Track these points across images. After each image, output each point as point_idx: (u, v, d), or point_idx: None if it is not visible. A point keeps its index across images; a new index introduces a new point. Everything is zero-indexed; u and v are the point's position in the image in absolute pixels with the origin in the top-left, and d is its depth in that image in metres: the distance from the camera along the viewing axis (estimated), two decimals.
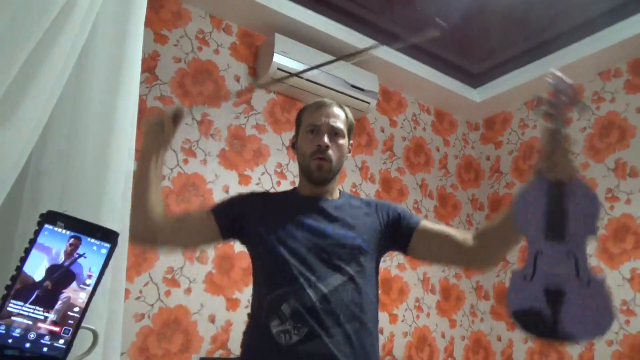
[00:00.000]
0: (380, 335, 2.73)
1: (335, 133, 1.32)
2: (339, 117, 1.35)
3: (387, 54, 2.89)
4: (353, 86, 2.74)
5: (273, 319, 1.16)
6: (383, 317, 2.78)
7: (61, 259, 0.58)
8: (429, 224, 1.36)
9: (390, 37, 2.84)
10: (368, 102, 2.81)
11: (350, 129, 1.39)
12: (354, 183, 2.89)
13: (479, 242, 1.28)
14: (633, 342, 2.44)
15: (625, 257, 2.56)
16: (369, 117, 3.05)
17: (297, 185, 1.42)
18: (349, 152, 1.40)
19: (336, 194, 1.39)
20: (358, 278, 1.23)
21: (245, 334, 1.29)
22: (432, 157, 3.32)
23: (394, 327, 2.80)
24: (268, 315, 1.18)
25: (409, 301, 2.90)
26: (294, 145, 1.42)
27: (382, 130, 3.11)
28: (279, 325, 1.15)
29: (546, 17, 2.63)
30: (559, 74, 1.07)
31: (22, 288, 0.57)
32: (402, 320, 2.85)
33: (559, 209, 1.00)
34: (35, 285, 0.57)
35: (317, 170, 1.30)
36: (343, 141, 1.34)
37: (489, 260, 1.37)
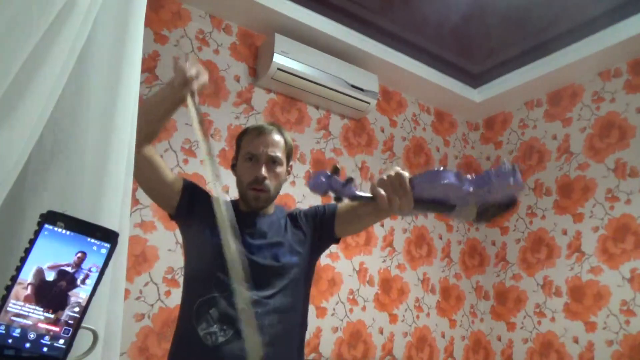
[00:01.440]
0: (380, 335, 2.73)
1: (273, 162, 1.36)
2: (278, 145, 1.38)
3: (387, 53, 2.89)
4: (353, 86, 2.74)
5: (201, 322, 1.22)
6: (383, 317, 2.78)
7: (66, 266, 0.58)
8: (342, 205, 1.40)
9: (391, 37, 2.84)
10: (368, 102, 2.81)
11: (289, 154, 1.44)
12: (354, 183, 2.88)
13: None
14: (633, 342, 2.44)
15: (625, 257, 2.56)
16: (369, 117, 3.05)
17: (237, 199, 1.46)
18: (288, 174, 1.45)
19: (271, 209, 1.43)
20: (287, 289, 1.29)
21: (174, 334, 1.35)
22: (432, 157, 3.32)
23: (394, 327, 2.80)
24: (197, 318, 1.23)
25: (409, 301, 2.90)
26: (233, 166, 1.45)
27: (382, 131, 3.11)
28: (206, 327, 1.21)
29: (546, 17, 2.63)
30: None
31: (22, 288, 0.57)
32: (402, 320, 2.85)
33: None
34: (36, 285, 0.58)
35: (254, 200, 1.35)
36: (281, 169, 1.38)
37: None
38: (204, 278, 1.27)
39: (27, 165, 0.71)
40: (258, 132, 1.39)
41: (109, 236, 0.61)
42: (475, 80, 3.25)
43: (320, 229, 1.40)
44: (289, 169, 1.46)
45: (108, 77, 0.80)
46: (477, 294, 3.25)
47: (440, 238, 3.19)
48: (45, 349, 0.57)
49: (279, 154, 1.38)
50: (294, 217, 1.43)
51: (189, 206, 1.36)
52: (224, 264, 1.22)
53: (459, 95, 3.25)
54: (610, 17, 2.59)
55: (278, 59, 2.49)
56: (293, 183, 2.65)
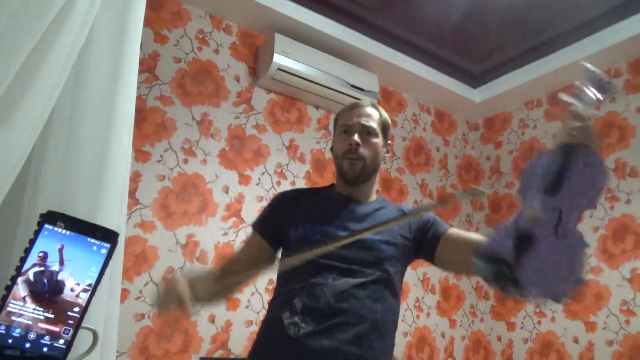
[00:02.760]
0: None
1: (367, 132, 1.33)
2: (372, 117, 1.36)
3: (387, 53, 2.89)
4: (353, 86, 2.74)
5: (285, 311, 1.19)
6: None
7: (56, 266, 0.58)
8: (457, 231, 1.31)
9: (391, 37, 2.84)
10: None
11: (385, 128, 1.39)
12: None
13: None
14: (633, 342, 2.44)
15: (625, 257, 2.56)
16: None
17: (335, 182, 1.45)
18: (387, 152, 1.41)
19: (372, 197, 1.40)
20: (378, 283, 1.22)
21: (262, 322, 1.32)
22: (432, 157, 3.31)
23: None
24: (281, 306, 1.21)
25: (409, 301, 2.90)
26: (332, 149, 1.43)
27: None
28: (289, 317, 1.17)
29: (546, 17, 2.63)
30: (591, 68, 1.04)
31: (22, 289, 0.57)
32: (402, 320, 2.84)
33: (561, 167, 0.92)
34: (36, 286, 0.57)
35: (350, 169, 1.31)
36: (376, 140, 1.34)
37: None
38: (293, 268, 1.22)
39: (27, 165, 0.71)
40: (352, 106, 1.38)
41: (109, 236, 0.61)
42: (475, 80, 3.25)
43: (420, 242, 1.32)
44: (388, 146, 1.41)
45: (106, 76, 0.80)
46: (477, 294, 3.25)
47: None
48: (45, 349, 0.57)
49: (374, 124, 1.34)
50: (403, 213, 1.38)
51: (274, 234, 1.35)
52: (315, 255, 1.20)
53: (459, 95, 3.25)
54: (610, 17, 2.58)
55: (278, 59, 2.49)
56: (293, 183, 2.65)
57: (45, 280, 0.58)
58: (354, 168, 1.31)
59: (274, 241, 1.35)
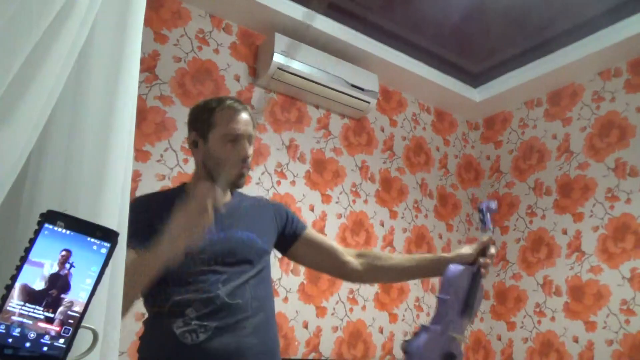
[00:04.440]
0: (380, 334, 2.73)
1: (249, 141, 1.32)
2: (251, 124, 1.34)
3: (387, 53, 2.89)
4: (353, 86, 2.74)
5: (176, 321, 1.16)
6: (383, 317, 2.78)
7: (55, 268, 0.58)
8: (313, 233, 1.46)
9: (391, 37, 2.84)
10: (368, 102, 2.81)
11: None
12: (354, 183, 2.89)
13: (366, 269, 1.44)
14: (633, 341, 2.44)
15: (625, 257, 2.56)
16: (369, 117, 3.05)
17: (189, 182, 1.40)
18: None
19: (228, 194, 1.37)
20: (261, 274, 1.29)
21: (142, 339, 1.29)
22: (432, 157, 3.32)
23: (394, 327, 2.80)
24: (171, 318, 1.17)
25: (409, 300, 2.90)
26: (195, 143, 1.34)
27: (382, 130, 3.11)
28: (183, 326, 1.15)
29: (546, 16, 2.63)
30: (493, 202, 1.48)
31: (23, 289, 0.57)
32: (402, 320, 2.85)
33: (475, 295, 1.31)
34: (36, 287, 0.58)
35: (240, 180, 1.30)
36: (253, 147, 1.35)
37: (362, 281, 1.79)
38: (177, 279, 1.20)
39: (26, 165, 0.71)
40: (234, 111, 1.30)
41: (109, 236, 0.61)
42: (475, 79, 3.25)
43: (281, 236, 1.41)
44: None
45: (107, 76, 0.80)
46: None
47: (440, 237, 3.19)
48: (45, 348, 0.57)
49: (253, 132, 1.34)
50: (267, 205, 1.44)
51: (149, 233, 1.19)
52: (190, 263, 1.19)
53: (459, 95, 3.25)
54: (610, 17, 2.59)
55: (278, 58, 2.50)
56: (293, 183, 2.65)
57: (47, 281, 0.58)
58: (243, 180, 1.31)
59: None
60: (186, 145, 2.35)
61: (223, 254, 1.24)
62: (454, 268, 1.32)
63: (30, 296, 0.57)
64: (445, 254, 1.44)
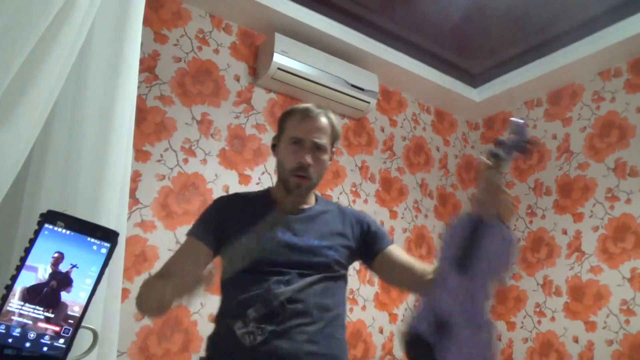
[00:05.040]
0: (380, 334, 2.73)
1: (318, 148, 1.31)
2: (324, 130, 1.33)
3: (387, 53, 2.89)
4: (353, 86, 2.74)
5: (237, 322, 1.18)
6: (383, 317, 2.78)
7: (48, 271, 0.58)
8: (395, 251, 1.39)
9: (391, 37, 2.84)
10: (368, 102, 2.81)
11: (335, 139, 1.38)
12: (354, 183, 2.89)
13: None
14: (633, 342, 2.44)
15: (625, 257, 2.56)
16: (369, 117, 3.05)
17: (272, 187, 1.43)
18: (331, 160, 1.40)
19: (312, 201, 1.40)
20: (327, 281, 1.27)
21: (209, 338, 1.30)
22: (432, 157, 3.31)
23: (394, 327, 2.80)
24: (233, 318, 1.19)
25: (409, 301, 2.90)
26: (274, 146, 1.39)
27: (382, 130, 3.11)
28: (242, 327, 1.17)
29: (546, 16, 2.63)
30: (520, 121, 1.13)
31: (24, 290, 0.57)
32: (402, 320, 2.85)
33: (471, 244, 1.02)
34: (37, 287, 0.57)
35: (296, 188, 1.31)
36: (325, 156, 1.34)
37: None
38: (241, 279, 1.23)
39: (27, 164, 0.71)
40: (304, 116, 1.32)
41: (109, 236, 0.61)
42: (475, 79, 3.25)
43: (363, 249, 1.39)
44: (333, 154, 1.40)
45: (106, 76, 0.80)
46: None
47: (440, 238, 3.18)
48: (45, 349, 0.57)
49: (325, 140, 1.32)
50: (348, 216, 1.41)
51: (216, 239, 1.30)
52: (255, 265, 1.21)
53: (459, 95, 3.25)
54: (610, 17, 2.58)
55: (278, 58, 2.49)
56: None
57: (48, 282, 0.58)
58: (301, 188, 1.31)
59: (215, 246, 1.29)
60: (186, 146, 2.36)
61: (289, 256, 1.24)
62: (452, 219, 1.13)
63: (31, 296, 0.57)
64: None
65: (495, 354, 0.99)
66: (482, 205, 1.05)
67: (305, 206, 1.37)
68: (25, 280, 0.57)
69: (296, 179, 1.29)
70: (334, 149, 1.40)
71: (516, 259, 0.99)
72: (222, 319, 1.27)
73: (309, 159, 1.28)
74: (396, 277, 1.39)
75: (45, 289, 0.58)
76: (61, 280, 0.59)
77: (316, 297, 1.22)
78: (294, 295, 1.19)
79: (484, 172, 1.11)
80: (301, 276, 1.23)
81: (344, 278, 1.35)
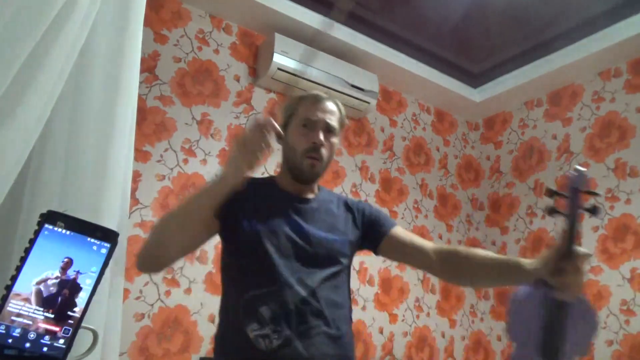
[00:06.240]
0: (380, 335, 2.73)
1: (329, 130, 1.28)
2: (334, 114, 1.31)
3: (387, 53, 2.89)
4: (353, 86, 2.74)
5: (250, 323, 1.11)
6: (383, 317, 2.78)
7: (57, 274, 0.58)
8: (401, 232, 1.38)
9: (391, 37, 2.84)
10: (368, 102, 2.81)
11: (342, 125, 1.36)
12: (354, 183, 2.89)
13: (443, 263, 1.29)
14: (633, 342, 2.44)
15: (625, 257, 2.56)
16: (369, 117, 3.05)
17: (276, 175, 1.37)
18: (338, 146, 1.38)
19: (315, 190, 1.36)
20: (337, 277, 1.24)
21: (217, 338, 1.22)
22: (432, 157, 3.31)
23: (394, 327, 2.80)
24: (245, 318, 1.12)
25: (409, 301, 2.90)
26: (280, 138, 1.25)
27: (382, 130, 3.11)
28: (258, 329, 1.10)
29: (546, 17, 2.63)
30: (582, 170, 0.96)
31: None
32: (402, 320, 2.85)
33: (557, 330, 0.93)
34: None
35: (310, 171, 1.26)
36: (335, 140, 1.31)
37: (449, 281, 1.45)
38: (252, 273, 1.17)
39: (27, 165, 0.71)
40: (315, 99, 1.30)
41: (109, 236, 0.61)
42: (475, 80, 3.25)
43: (368, 236, 1.36)
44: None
45: (107, 76, 0.80)
46: (477, 294, 3.25)
47: (440, 237, 3.19)
48: (45, 349, 0.57)
49: (335, 123, 1.30)
50: (349, 206, 1.38)
51: (227, 217, 1.21)
52: (268, 257, 1.15)
53: (458, 95, 3.25)
54: (610, 17, 2.58)
55: (278, 58, 2.49)
56: None
57: (60, 290, 0.58)
58: (315, 169, 1.27)
59: (222, 219, 1.20)
60: (186, 146, 2.35)
61: (306, 252, 1.20)
62: (520, 290, 1.01)
63: (45, 305, 0.56)
64: (524, 261, 1.14)
65: None
66: (563, 286, 0.94)
67: (311, 195, 1.33)
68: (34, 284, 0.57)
69: (310, 160, 1.25)
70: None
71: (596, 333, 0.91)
72: (229, 316, 1.19)
73: (322, 138, 1.25)
74: (408, 258, 1.37)
75: (60, 297, 0.58)
76: (72, 287, 0.59)
77: (329, 295, 1.18)
78: (309, 295, 1.15)
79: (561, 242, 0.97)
80: (314, 272, 1.19)
81: (349, 270, 1.32)
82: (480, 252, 1.27)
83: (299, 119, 1.29)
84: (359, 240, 1.36)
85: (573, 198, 0.93)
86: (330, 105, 1.31)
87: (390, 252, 1.37)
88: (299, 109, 1.31)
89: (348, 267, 1.31)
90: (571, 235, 0.92)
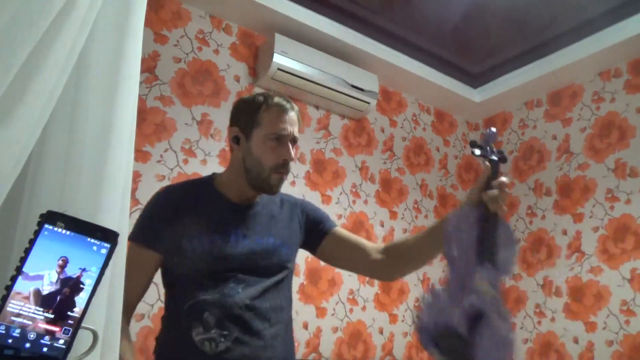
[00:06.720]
0: (380, 335, 2.73)
1: (294, 142, 1.27)
2: (297, 124, 1.29)
3: (387, 53, 2.89)
4: (353, 86, 2.74)
5: (195, 327, 1.13)
6: (383, 317, 2.78)
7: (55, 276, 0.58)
8: (341, 231, 1.39)
9: (391, 37, 2.84)
10: (368, 102, 2.81)
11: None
12: (354, 183, 2.89)
13: (387, 256, 1.32)
14: (633, 342, 2.44)
15: (625, 257, 2.56)
16: (369, 117, 3.05)
17: (218, 179, 1.33)
18: None
19: (256, 195, 1.32)
20: (283, 282, 1.26)
21: (159, 339, 1.24)
22: (432, 157, 3.32)
23: (394, 327, 2.80)
24: (188, 322, 1.14)
25: (409, 301, 2.90)
26: (237, 139, 1.28)
27: (382, 131, 3.11)
28: (203, 333, 1.12)
29: (546, 17, 2.63)
30: (493, 130, 1.26)
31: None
32: (402, 320, 2.85)
33: (492, 237, 1.05)
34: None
35: (277, 185, 1.26)
36: (295, 149, 1.30)
37: (392, 276, 1.44)
38: (195, 280, 1.18)
39: (27, 165, 0.71)
40: (281, 109, 1.25)
41: (109, 236, 0.61)
42: (475, 80, 3.25)
43: (309, 235, 1.37)
44: None
45: (108, 77, 0.80)
46: None
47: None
48: (45, 349, 0.57)
49: (298, 133, 1.28)
50: (291, 205, 1.37)
51: (164, 241, 1.22)
52: (209, 265, 1.17)
53: (458, 95, 3.25)
54: (610, 17, 2.58)
55: (278, 59, 2.49)
56: (293, 183, 2.65)
57: (61, 289, 0.58)
58: (280, 184, 1.27)
59: (163, 248, 1.21)
60: (186, 146, 2.35)
61: (246, 260, 1.21)
62: (451, 214, 1.13)
63: (44, 304, 0.56)
64: (439, 221, 1.25)
65: (514, 341, 0.99)
66: (494, 199, 1.09)
67: (256, 199, 1.31)
68: (34, 285, 0.57)
69: (278, 176, 1.25)
70: None
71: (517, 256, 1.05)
72: (172, 321, 1.21)
73: (292, 154, 1.25)
74: (347, 258, 1.37)
75: (59, 296, 0.58)
76: (73, 285, 0.58)
77: (273, 300, 1.21)
78: (251, 301, 1.17)
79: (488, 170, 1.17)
80: (258, 280, 1.21)
81: (292, 272, 1.33)
82: (408, 235, 1.34)
83: (266, 132, 1.24)
84: (302, 239, 1.37)
85: (486, 147, 1.21)
86: (293, 115, 1.28)
87: (329, 252, 1.37)
88: (264, 119, 1.25)
89: (292, 270, 1.34)
90: (494, 171, 1.17)
